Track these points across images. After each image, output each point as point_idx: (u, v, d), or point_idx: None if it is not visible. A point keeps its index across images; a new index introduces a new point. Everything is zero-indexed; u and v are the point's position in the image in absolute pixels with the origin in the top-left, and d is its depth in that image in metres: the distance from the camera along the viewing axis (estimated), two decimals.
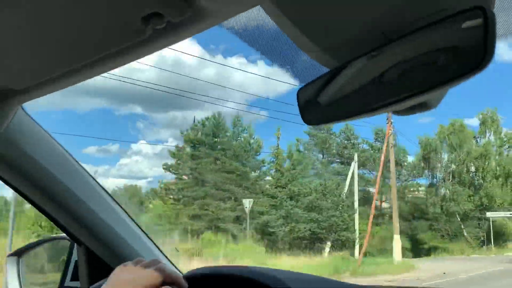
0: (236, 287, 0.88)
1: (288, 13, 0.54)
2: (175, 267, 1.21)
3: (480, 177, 34.73)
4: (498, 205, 33.68)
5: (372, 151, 32.77)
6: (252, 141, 28.89)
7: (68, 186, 1.03)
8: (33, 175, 0.98)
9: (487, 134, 35.53)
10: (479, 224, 33.08)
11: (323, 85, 0.63)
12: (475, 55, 0.43)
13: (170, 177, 28.97)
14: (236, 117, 28.71)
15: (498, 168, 35.09)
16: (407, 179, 35.18)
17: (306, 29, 0.56)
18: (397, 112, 0.59)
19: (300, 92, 0.65)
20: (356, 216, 24.11)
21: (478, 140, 35.45)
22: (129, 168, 44.86)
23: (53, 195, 1.02)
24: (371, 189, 31.27)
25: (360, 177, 28.62)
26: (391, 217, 24.79)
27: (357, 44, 0.56)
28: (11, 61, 0.69)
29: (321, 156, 32.74)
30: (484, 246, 31.68)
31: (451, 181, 34.43)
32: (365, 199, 29.41)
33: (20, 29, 0.59)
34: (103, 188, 1.14)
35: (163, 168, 28.77)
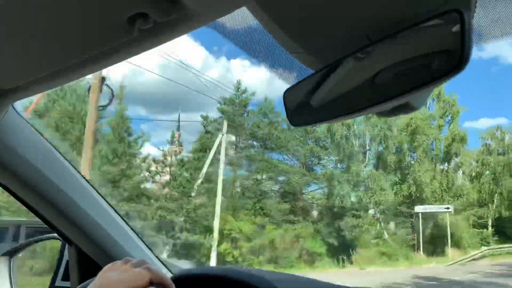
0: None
1: (273, 14, 0.54)
2: (166, 267, 1.21)
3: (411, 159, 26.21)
4: (433, 196, 24.82)
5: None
6: None
7: (59, 185, 1.04)
8: (24, 175, 0.98)
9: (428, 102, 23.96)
10: (411, 223, 24.65)
11: (308, 87, 0.63)
12: (454, 56, 0.44)
13: None
14: None
15: (435, 144, 26.95)
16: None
17: (291, 30, 0.56)
18: (380, 114, 0.60)
19: (286, 94, 0.65)
20: (217, 210, 17.58)
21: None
22: None
23: (44, 194, 1.02)
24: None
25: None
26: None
27: (341, 46, 0.57)
28: (0, 61, 0.69)
29: (235, 139, 24.01)
30: (414, 252, 23.21)
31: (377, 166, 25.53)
32: None
33: (8, 28, 0.59)
34: (94, 188, 1.14)
35: None
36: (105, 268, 0.67)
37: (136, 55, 0.66)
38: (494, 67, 42.58)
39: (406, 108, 0.58)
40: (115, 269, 0.64)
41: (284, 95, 0.65)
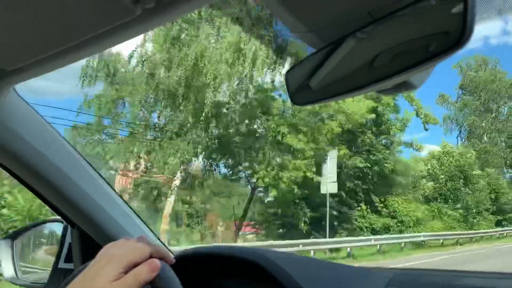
0: (227, 266, 0.90)
1: None
2: (166, 246, 1.23)
3: None
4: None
5: None
6: None
7: (61, 168, 1.04)
8: (26, 157, 0.99)
9: None
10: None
11: (310, 65, 0.64)
12: (455, 32, 0.45)
13: None
14: None
15: None
16: None
17: (293, 9, 0.57)
18: (383, 91, 0.60)
19: (288, 74, 0.66)
20: None
21: None
22: None
23: (46, 177, 1.03)
24: None
25: None
26: None
27: (343, 24, 0.57)
28: (1, 41, 0.69)
29: None
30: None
31: None
32: None
33: (10, 8, 0.59)
34: (96, 170, 1.14)
35: None
36: (106, 246, 0.68)
37: (140, 34, 0.66)
38: None
39: (407, 86, 0.59)
40: (115, 245, 0.65)
41: (286, 74, 0.66)
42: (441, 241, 21.20)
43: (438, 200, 27.92)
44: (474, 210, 28.26)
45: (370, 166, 21.92)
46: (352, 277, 0.91)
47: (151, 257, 0.62)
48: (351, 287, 0.86)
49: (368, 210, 22.04)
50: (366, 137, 22.21)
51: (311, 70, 0.63)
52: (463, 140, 42.35)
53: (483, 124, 41.24)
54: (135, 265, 0.60)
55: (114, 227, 1.14)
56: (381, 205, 22.82)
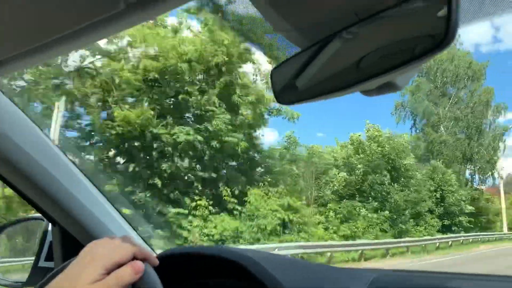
0: (210, 267, 0.89)
1: None
2: (150, 247, 1.22)
3: None
4: None
5: None
6: None
7: (43, 165, 1.02)
8: (7, 154, 0.97)
9: None
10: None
11: (295, 65, 0.64)
12: (440, 34, 0.45)
13: None
14: None
15: None
16: None
17: (279, 8, 0.56)
18: (366, 92, 0.60)
19: (273, 72, 0.66)
20: None
21: None
22: None
23: (28, 174, 1.01)
24: None
25: None
26: None
27: (329, 23, 0.57)
28: None
29: None
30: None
31: None
32: None
33: None
34: (78, 167, 1.13)
35: None
36: (89, 244, 0.66)
37: (124, 29, 0.65)
38: None
39: (390, 87, 0.59)
40: (99, 244, 0.64)
41: (271, 73, 0.66)
42: (359, 251, 14.95)
43: (357, 198, 20.54)
44: (407, 212, 21.10)
45: (202, 140, 14.05)
46: (335, 278, 0.92)
47: (134, 258, 0.61)
48: (333, 285, 0.86)
49: (209, 207, 14.09)
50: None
51: (296, 69, 0.63)
52: (417, 131, 35.06)
53: (440, 111, 34.29)
54: (118, 265, 0.59)
55: (96, 225, 1.13)
56: (233, 199, 14.70)
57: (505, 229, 30.09)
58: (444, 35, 0.44)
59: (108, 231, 1.14)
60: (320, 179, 20.42)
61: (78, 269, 0.60)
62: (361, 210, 19.70)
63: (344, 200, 19.92)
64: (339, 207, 19.29)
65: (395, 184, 21.67)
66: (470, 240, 22.35)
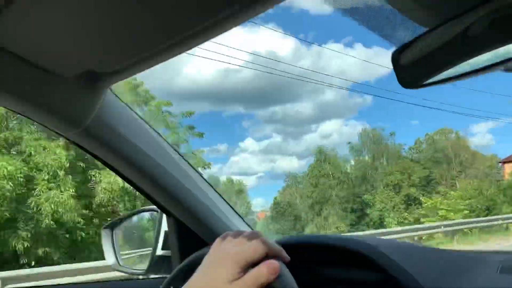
0: (328, 255, 0.89)
1: None
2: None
3: None
4: None
5: None
6: None
7: (158, 161, 1.09)
8: (126, 153, 1.04)
9: None
10: None
11: (420, 46, 0.60)
12: None
13: None
14: None
15: None
16: None
17: None
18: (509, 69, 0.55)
19: (395, 54, 0.62)
20: None
21: None
22: (239, 165, 47.41)
23: (145, 170, 1.08)
24: None
25: None
26: None
27: (456, 1, 0.53)
28: (98, 44, 0.71)
29: None
30: None
31: None
32: None
33: (102, 11, 0.60)
34: (191, 165, 1.19)
35: None
36: (218, 240, 0.67)
37: (235, 26, 0.65)
38: None
39: None
40: (230, 242, 0.64)
41: (392, 55, 0.63)
42: None
43: None
44: None
45: None
46: (464, 263, 0.86)
47: (267, 255, 0.60)
48: (465, 274, 0.81)
49: None
50: None
51: (421, 50, 0.59)
52: None
53: None
54: (252, 264, 0.59)
55: (211, 219, 1.18)
56: None
57: None
58: None
59: (222, 224, 1.18)
60: None
61: (214, 267, 0.60)
62: None
63: None
64: None
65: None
66: None
